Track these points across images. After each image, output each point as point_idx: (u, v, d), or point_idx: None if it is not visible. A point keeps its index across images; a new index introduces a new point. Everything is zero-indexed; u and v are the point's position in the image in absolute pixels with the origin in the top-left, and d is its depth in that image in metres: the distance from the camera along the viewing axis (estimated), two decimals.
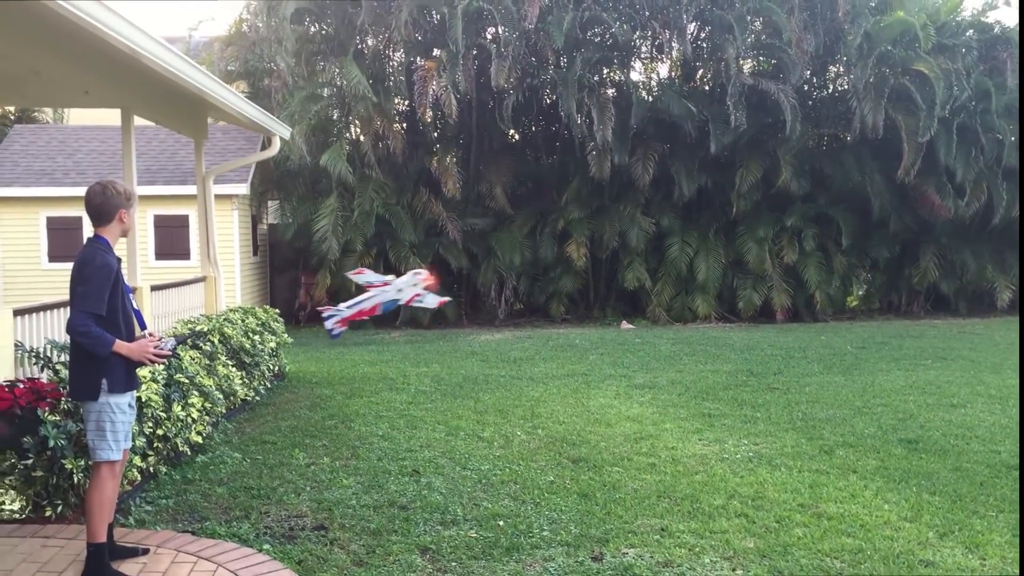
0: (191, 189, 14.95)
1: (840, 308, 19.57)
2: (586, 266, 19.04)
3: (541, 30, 17.73)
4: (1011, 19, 19.29)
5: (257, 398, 9.67)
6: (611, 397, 10.13)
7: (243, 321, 9.93)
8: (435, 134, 20.26)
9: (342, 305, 7.03)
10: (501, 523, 5.68)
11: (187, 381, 7.03)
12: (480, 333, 17.40)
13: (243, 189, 17.48)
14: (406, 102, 19.28)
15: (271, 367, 10.52)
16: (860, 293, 20.45)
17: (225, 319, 9.59)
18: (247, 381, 9.27)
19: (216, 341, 8.75)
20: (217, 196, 14.22)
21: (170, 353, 4.67)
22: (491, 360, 13.34)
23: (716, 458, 7.30)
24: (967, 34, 19.04)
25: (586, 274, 19.35)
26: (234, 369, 8.84)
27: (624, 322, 18.54)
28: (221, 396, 7.93)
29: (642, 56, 20.23)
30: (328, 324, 6.88)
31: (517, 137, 20.75)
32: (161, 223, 17.61)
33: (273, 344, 10.56)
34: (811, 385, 10.85)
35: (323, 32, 19.64)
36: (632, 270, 18.88)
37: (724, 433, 8.20)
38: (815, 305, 18.90)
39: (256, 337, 9.87)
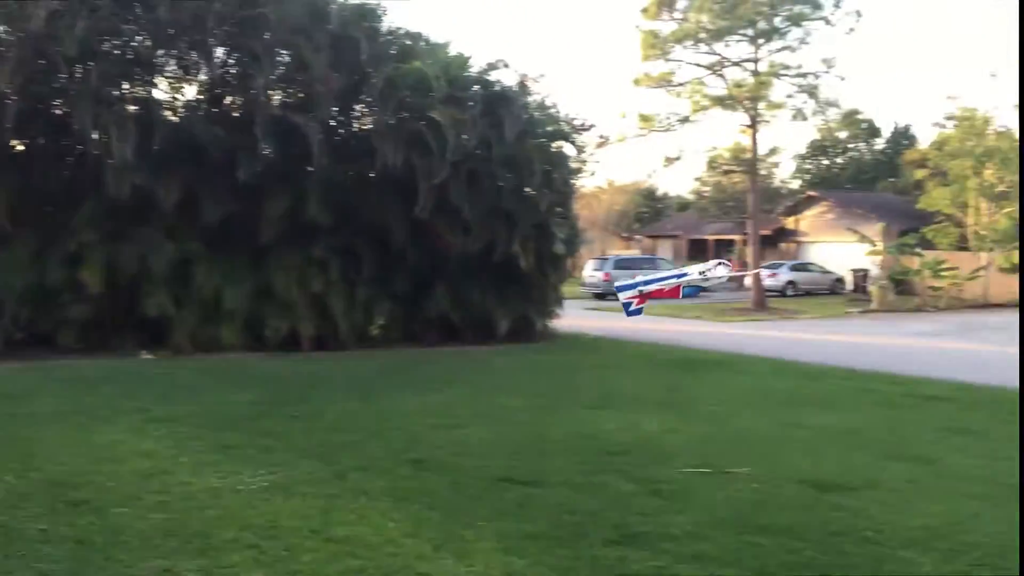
0: None
1: (363, 337, 20.40)
2: (102, 292, 17.64)
3: (51, 35, 16.21)
4: (509, 80, 21.76)
5: None
6: (123, 432, 9.50)
7: None
8: None
9: (638, 277, 6.84)
10: None
11: None
12: None
13: None
14: None
15: None
16: (381, 322, 21.51)
17: None
18: None
19: None
20: None
21: None
22: None
23: (231, 491, 7.21)
24: (474, 89, 21.16)
25: (102, 301, 17.90)
26: None
27: (144, 352, 17.47)
28: None
29: (167, 75, 19.41)
30: (623, 299, 7.03)
31: (22, 148, 18.65)
32: None
33: None
34: (331, 412, 11.19)
35: None
36: (154, 297, 17.88)
37: (241, 464, 8.12)
38: (340, 334, 19.51)
39: None
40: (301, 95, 19.70)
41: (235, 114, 19.63)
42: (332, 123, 20.28)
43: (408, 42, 20.57)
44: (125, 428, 9.74)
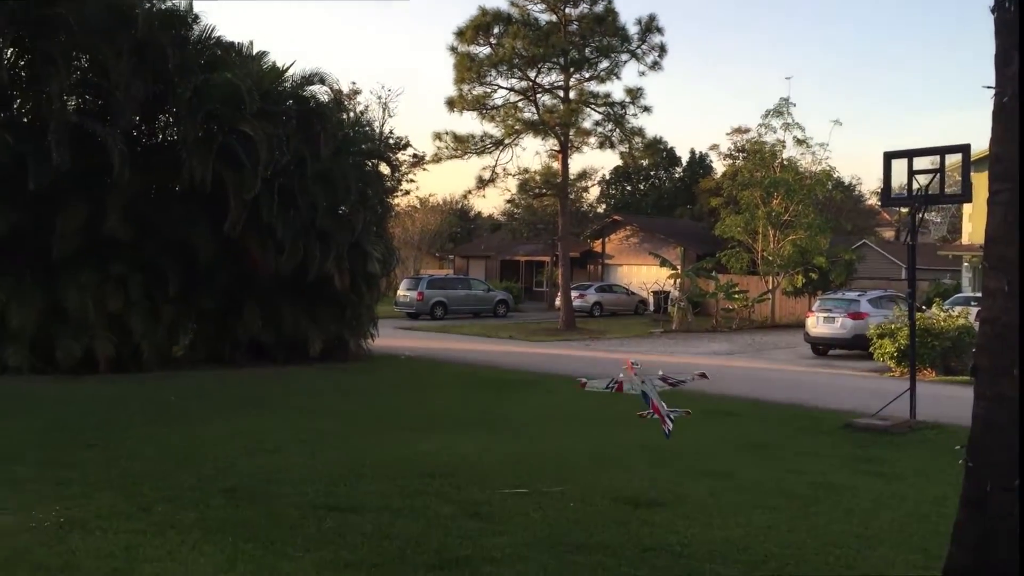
0: None
1: (167, 358, 19.41)
2: None
3: None
4: (324, 95, 21.45)
5: None
6: None
7: None
8: None
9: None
10: None
11: None
12: None
13: None
14: None
15: None
16: (186, 343, 20.57)
17: None
18: None
19: None
20: None
21: None
22: None
23: (21, 529, 6.65)
24: (288, 103, 20.71)
25: None
26: None
27: None
28: None
29: None
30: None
31: None
32: None
33: None
34: (132, 439, 10.57)
35: None
36: None
37: (32, 499, 7.52)
38: (141, 355, 18.46)
39: None
40: (101, 102, 18.60)
41: (25, 120, 18.26)
42: (135, 133, 19.26)
43: (219, 52, 19.88)
44: None
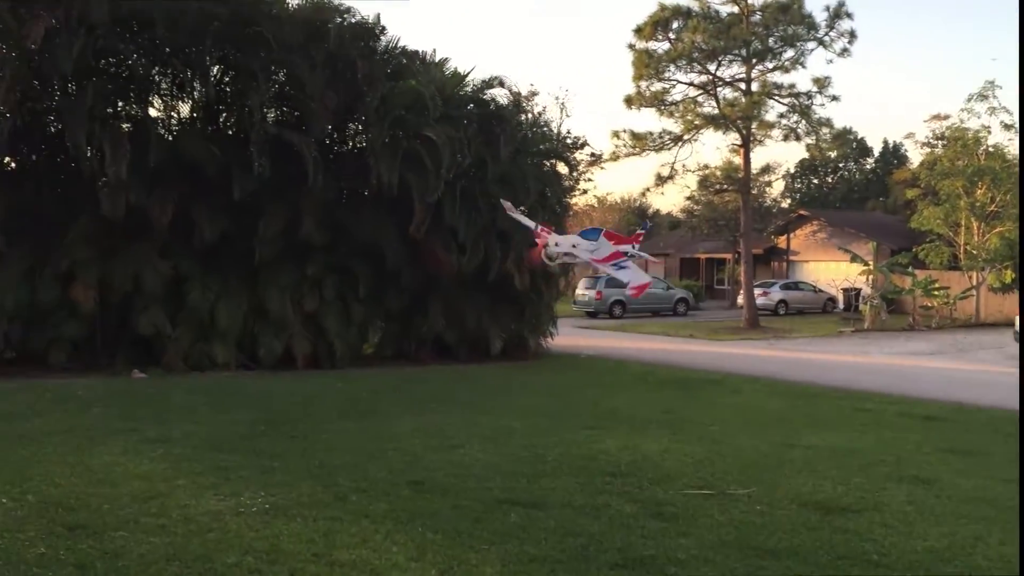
0: None
1: (357, 355, 20.35)
2: (94, 310, 17.53)
3: (47, 52, 16.18)
4: (504, 98, 21.86)
5: None
6: (118, 454, 9.40)
7: None
8: None
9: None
10: None
11: None
12: None
13: None
14: None
15: None
16: (375, 341, 21.47)
17: None
18: None
19: None
20: None
21: None
22: None
23: (231, 513, 7.12)
24: (468, 107, 21.23)
25: (94, 319, 17.80)
26: None
27: (136, 371, 17.34)
28: None
29: (162, 93, 19.37)
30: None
31: (15, 165, 18.57)
32: None
33: None
34: (328, 432, 11.11)
35: None
36: (147, 315, 17.80)
37: (240, 486, 8.04)
38: (335, 353, 19.43)
39: None
40: (296, 113, 19.71)
41: (230, 132, 19.59)
42: (327, 141, 20.27)
43: (404, 60, 20.62)
44: (120, 449, 9.64)
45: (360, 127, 20.80)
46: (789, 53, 33.17)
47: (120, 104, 18.46)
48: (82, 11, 16.37)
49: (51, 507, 7.11)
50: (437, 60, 21.51)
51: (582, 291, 40.49)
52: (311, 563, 5.95)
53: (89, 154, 16.67)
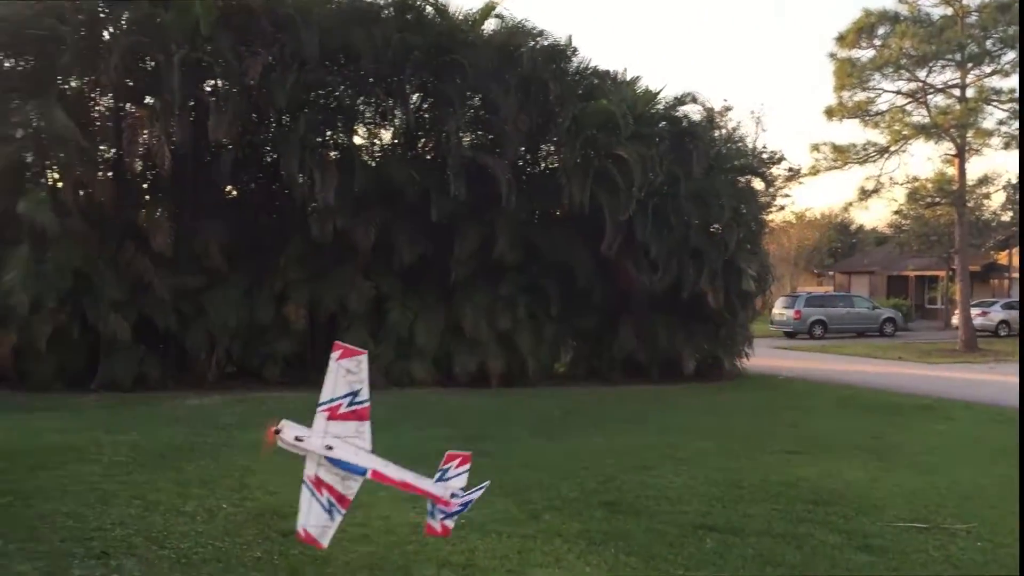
0: None
1: (549, 374, 20.53)
2: (305, 328, 18.63)
3: (264, 87, 17.43)
4: (696, 114, 21.50)
5: None
6: None
7: None
8: (145, 185, 19.12)
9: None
10: None
11: None
12: (187, 397, 16.40)
13: None
14: (113, 150, 18.08)
15: None
16: (567, 359, 21.57)
17: None
18: None
19: None
20: None
21: None
22: (197, 426, 12.61)
23: None
24: (660, 125, 21.04)
25: (305, 336, 18.91)
26: None
27: None
28: None
29: (366, 122, 20.40)
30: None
31: (236, 194, 20.07)
32: None
33: None
34: (521, 450, 11.24)
35: (19, 68, 18.01)
36: (352, 333, 18.66)
37: None
38: (527, 370, 19.68)
39: None
40: (491, 136, 20.21)
41: (428, 156, 20.35)
42: (520, 163, 20.64)
43: (595, 80, 20.72)
44: None
45: (552, 148, 21.05)
46: (1010, 56, 30.76)
47: (328, 133, 19.57)
48: (295, 47, 17.53)
49: (267, 514, 7.56)
50: (628, 79, 21.48)
51: (780, 310, 39.13)
52: None
53: (300, 181, 17.75)
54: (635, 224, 19.45)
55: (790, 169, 43.36)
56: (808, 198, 67.95)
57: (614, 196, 19.10)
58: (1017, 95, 30.35)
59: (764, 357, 25.31)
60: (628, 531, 7.35)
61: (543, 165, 21.68)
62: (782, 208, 50.62)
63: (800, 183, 36.17)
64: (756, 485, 9.33)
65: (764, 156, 36.81)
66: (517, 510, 7.95)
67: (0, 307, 16.35)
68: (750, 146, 23.81)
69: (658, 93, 21.26)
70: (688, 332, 21.15)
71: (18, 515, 7.27)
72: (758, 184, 25.56)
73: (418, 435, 12.27)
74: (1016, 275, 45.31)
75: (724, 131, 22.98)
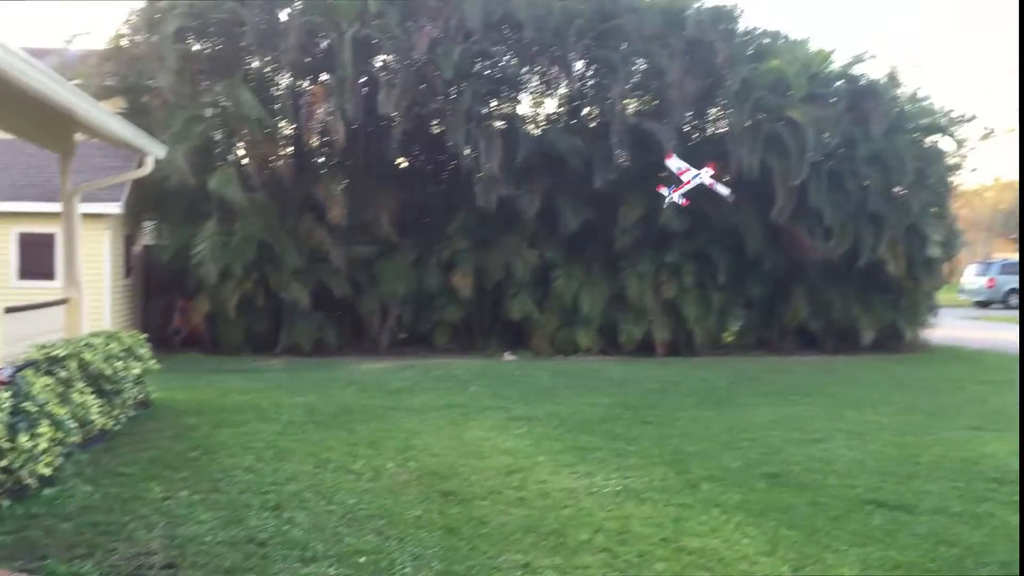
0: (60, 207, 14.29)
1: (716, 343, 20.11)
2: (471, 296, 19.04)
3: (431, 60, 17.78)
4: (876, 72, 20.26)
5: (117, 427, 9.23)
6: (487, 429, 10.10)
7: (105, 346, 9.49)
8: (321, 159, 19.99)
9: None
10: (362, 560, 5.56)
11: (36, 409, 6.65)
12: (361, 362, 17.15)
13: (116, 208, 16.88)
14: (292, 126, 18.99)
15: (135, 395, 10.10)
16: (735, 329, 21.05)
17: (85, 344, 9.14)
18: (107, 409, 8.86)
19: (74, 367, 8.34)
20: (88, 215, 13.69)
21: (8, 380, 4.42)
22: (370, 390, 13.16)
23: (585, 492, 7.34)
24: (836, 84, 20.00)
25: (471, 304, 19.33)
26: (92, 397, 8.44)
27: (507, 353, 18.58)
28: (76, 425, 7.55)
29: (530, 91, 20.48)
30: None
31: (405, 165, 20.66)
32: (26, 241, 16.83)
33: (138, 371, 10.15)
34: (683, 419, 11.07)
35: (207, 51, 19.18)
36: (518, 301, 18.99)
37: (595, 467, 8.26)
38: (693, 340, 19.37)
39: (119, 363, 9.46)
40: (655, 102, 19.84)
41: (591, 124, 20.19)
42: (685, 128, 20.17)
43: (765, 41, 19.93)
44: (489, 426, 10.34)
45: (719, 112, 20.45)
46: None
47: (493, 104, 19.78)
48: (459, 19, 17.78)
49: (428, 475, 7.80)
50: (800, 39, 20.50)
51: (971, 278, 36.68)
52: (659, 547, 5.95)
53: (466, 152, 18.05)
54: (808, 189, 18.66)
55: (984, 128, 40.37)
56: (1005, 159, 62.86)
57: (785, 160, 18.39)
58: None
59: (951, 328, 23.84)
60: (790, 504, 7.11)
61: (710, 130, 21.10)
62: (974, 170, 47.29)
63: (997, 143, 33.58)
64: (934, 461, 8.81)
65: (953, 115, 34.36)
66: (675, 478, 7.85)
67: (193, 277, 17.60)
68: (937, 104, 22.14)
69: (832, 52, 20.21)
70: (865, 301, 20.17)
71: (203, 468, 7.82)
72: (945, 144, 23.89)
73: (579, 402, 12.34)
74: None
75: (908, 89, 21.45)
